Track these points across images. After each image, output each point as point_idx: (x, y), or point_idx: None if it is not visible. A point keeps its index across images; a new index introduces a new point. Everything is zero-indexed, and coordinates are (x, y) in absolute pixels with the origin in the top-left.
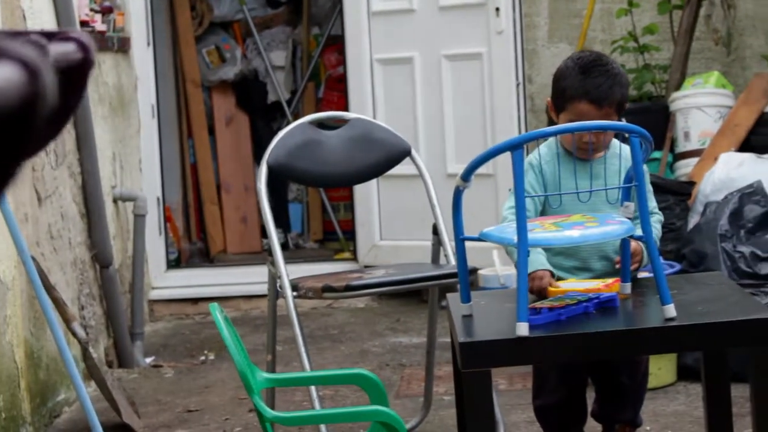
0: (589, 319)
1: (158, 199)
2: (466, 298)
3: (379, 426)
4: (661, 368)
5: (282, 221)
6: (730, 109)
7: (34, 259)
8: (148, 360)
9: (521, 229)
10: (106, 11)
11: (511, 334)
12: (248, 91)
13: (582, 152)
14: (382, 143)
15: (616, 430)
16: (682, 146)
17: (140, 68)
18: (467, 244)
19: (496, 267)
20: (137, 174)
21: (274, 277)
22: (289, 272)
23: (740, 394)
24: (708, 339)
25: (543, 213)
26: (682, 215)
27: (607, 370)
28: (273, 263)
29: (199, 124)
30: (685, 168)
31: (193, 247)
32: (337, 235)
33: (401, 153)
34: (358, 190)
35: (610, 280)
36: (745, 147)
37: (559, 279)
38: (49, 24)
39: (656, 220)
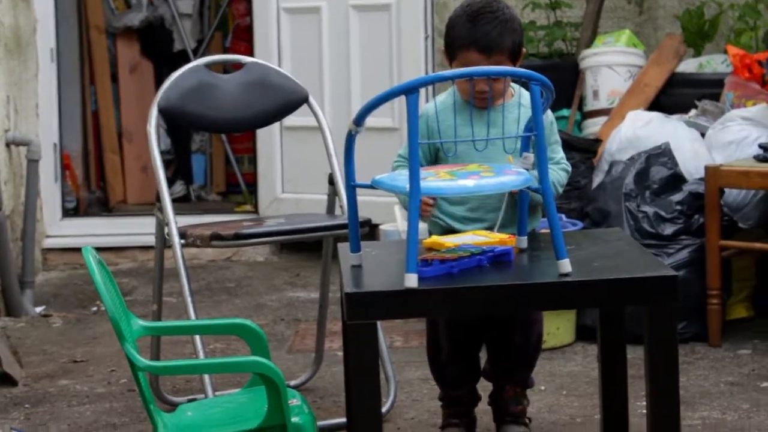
0: (482, 273)
1: (55, 145)
2: (355, 248)
3: (259, 378)
4: (559, 328)
5: (185, 172)
6: (641, 68)
7: None
8: (38, 309)
9: (413, 177)
10: None
11: (400, 285)
12: (154, 38)
13: (479, 101)
14: (278, 88)
15: (506, 390)
16: (590, 105)
17: (40, 10)
18: (370, 198)
19: (398, 222)
20: (33, 119)
21: (162, 225)
22: (181, 221)
23: (637, 356)
24: (603, 296)
25: (438, 163)
26: (587, 173)
27: (500, 330)
28: (161, 210)
29: (102, 70)
30: (593, 127)
31: (92, 196)
32: (241, 188)
33: (298, 99)
34: (261, 141)
35: (504, 236)
36: (654, 107)
37: (454, 231)
38: None
39: (561, 168)
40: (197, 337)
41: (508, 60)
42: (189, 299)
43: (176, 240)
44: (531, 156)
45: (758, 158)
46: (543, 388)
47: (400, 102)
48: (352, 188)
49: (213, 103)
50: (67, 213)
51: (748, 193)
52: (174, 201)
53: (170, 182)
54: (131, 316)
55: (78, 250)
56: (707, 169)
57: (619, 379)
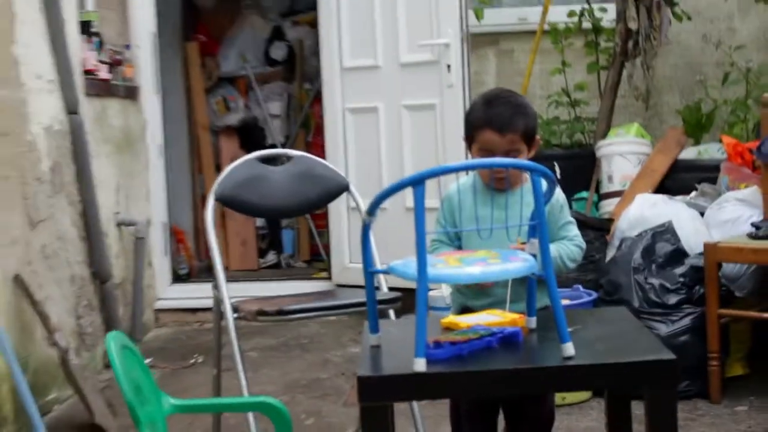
0: (491, 355)
1: (163, 224)
2: (374, 329)
3: None
4: None
5: (276, 244)
6: (648, 156)
7: (19, 276)
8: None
9: (421, 266)
10: (116, 63)
11: (411, 368)
12: (250, 135)
13: (497, 182)
14: (321, 179)
15: None
16: (606, 187)
17: (149, 113)
18: None
19: (443, 287)
20: (144, 203)
21: (218, 300)
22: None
23: (643, 412)
24: (604, 379)
25: (459, 238)
26: (601, 249)
27: (514, 402)
28: (216, 287)
29: (208, 161)
30: (608, 207)
31: (202, 264)
32: (322, 257)
33: (340, 188)
34: (332, 220)
35: (516, 316)
36: (660, 189)
37: (468, 307)
38: (47, 71)
39: (574, 244)
40: (250, 416)
41: (521, 141)
42: (240, 369)
43: (230, 315)
44: (537, 242)
45: (751, 236)
46: None
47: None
48: (370, 274)
49: (263, 191)
50: (180, 278)
51: (743, 265)
52: (267, 267)
53: (264, 252)
54: (161, 395)
55: (184, 310)
56: (706, 245)
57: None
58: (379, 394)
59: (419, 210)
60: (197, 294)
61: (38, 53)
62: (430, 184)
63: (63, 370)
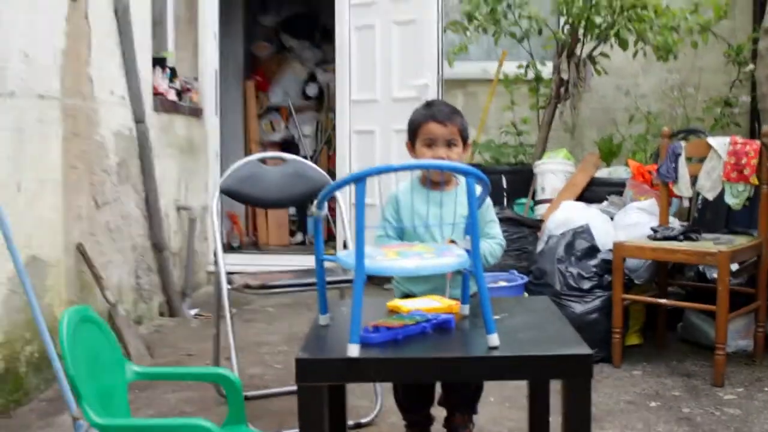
0: (424, 340)
1: (217, 209)
2: (323, 311)
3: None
4: None
5: (302, 227)
6: (572, 174)
7: (81, 244)
8: (193, 311)
9: (358, 257)
10: (185, 90)
11: (346, 353)
12: (288, 148)
13: (434, 185)
14: (309, 179)
15: (456, 417)
16: (539, 196)
17: (210, 128)
18: None
19: None
20: (204, 194)
21: (218, 274)
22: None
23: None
24: (526, 369)
25: (403, 232)
26: (533, 242)
27: None
28: (216, 263)
29: None
30: (540, 210)
31: (249, 240)
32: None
33: (323, 187)
34: (338, 211)
35: (453, 302)
36: (579, 199)
37: (409, 293)
38: (119, 91)
39: (496, 243)
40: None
41: (459, 136)
42: (230, 333)
43: (224, 286)
44: (470, 239)
45: (650, 237)
46: (492, 399)
47: (381, 183)
48: (320, 262)
49: (260, 187)
50: (232, 249)
51: (642, 260)
52: (295, 244)
53: (294, 233)
54: (125, 363)
55: (229, 273)
56: (615, 244)
57: (543, 398)
58: (314, 376)
59: (359, 203)
60: (240, 261)
61: (112, 76)
62: (373, 183)
63: (109, 320)
